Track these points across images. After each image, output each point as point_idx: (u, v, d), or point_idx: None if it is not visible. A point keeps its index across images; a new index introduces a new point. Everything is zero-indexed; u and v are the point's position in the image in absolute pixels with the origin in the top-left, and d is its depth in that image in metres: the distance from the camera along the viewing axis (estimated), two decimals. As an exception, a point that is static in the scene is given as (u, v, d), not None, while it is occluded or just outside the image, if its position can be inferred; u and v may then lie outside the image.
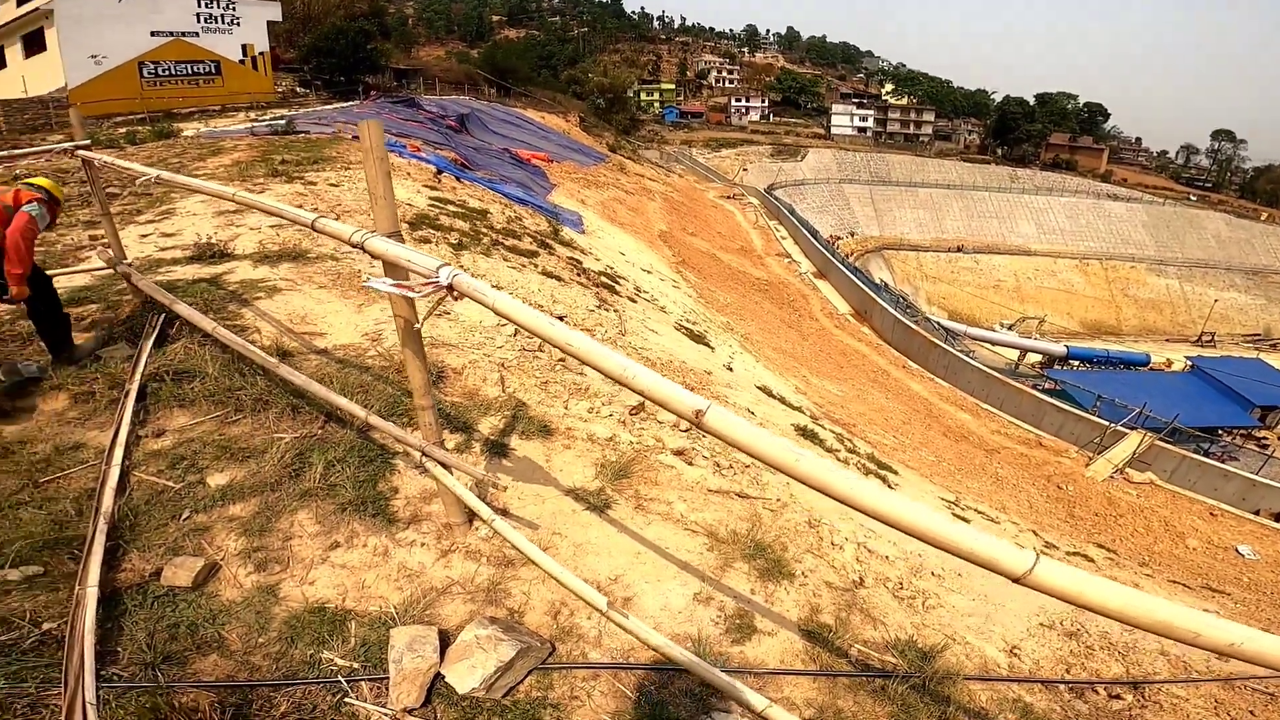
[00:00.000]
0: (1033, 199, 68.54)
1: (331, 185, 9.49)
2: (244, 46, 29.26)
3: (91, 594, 2.36)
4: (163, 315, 4.09)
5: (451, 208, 10.56)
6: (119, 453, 3.02)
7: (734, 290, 21.04)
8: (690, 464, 4.30)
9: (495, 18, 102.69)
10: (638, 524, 3.40)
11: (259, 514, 2.89)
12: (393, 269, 2.33)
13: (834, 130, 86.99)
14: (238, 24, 29.02)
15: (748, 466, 4.59)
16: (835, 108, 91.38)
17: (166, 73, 26.13)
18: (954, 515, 5.36)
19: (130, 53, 24.77)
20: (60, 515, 2.76)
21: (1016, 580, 1.17)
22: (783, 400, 10.12)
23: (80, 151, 4.30)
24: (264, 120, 18.52)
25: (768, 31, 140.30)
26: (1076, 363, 30.63)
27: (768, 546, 3.39)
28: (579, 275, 10.27)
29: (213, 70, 27.86)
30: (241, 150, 12.18)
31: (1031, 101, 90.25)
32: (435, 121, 22.89)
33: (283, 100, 30.16)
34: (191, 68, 27.03)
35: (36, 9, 22.91)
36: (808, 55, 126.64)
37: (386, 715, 2.24)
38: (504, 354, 4.99)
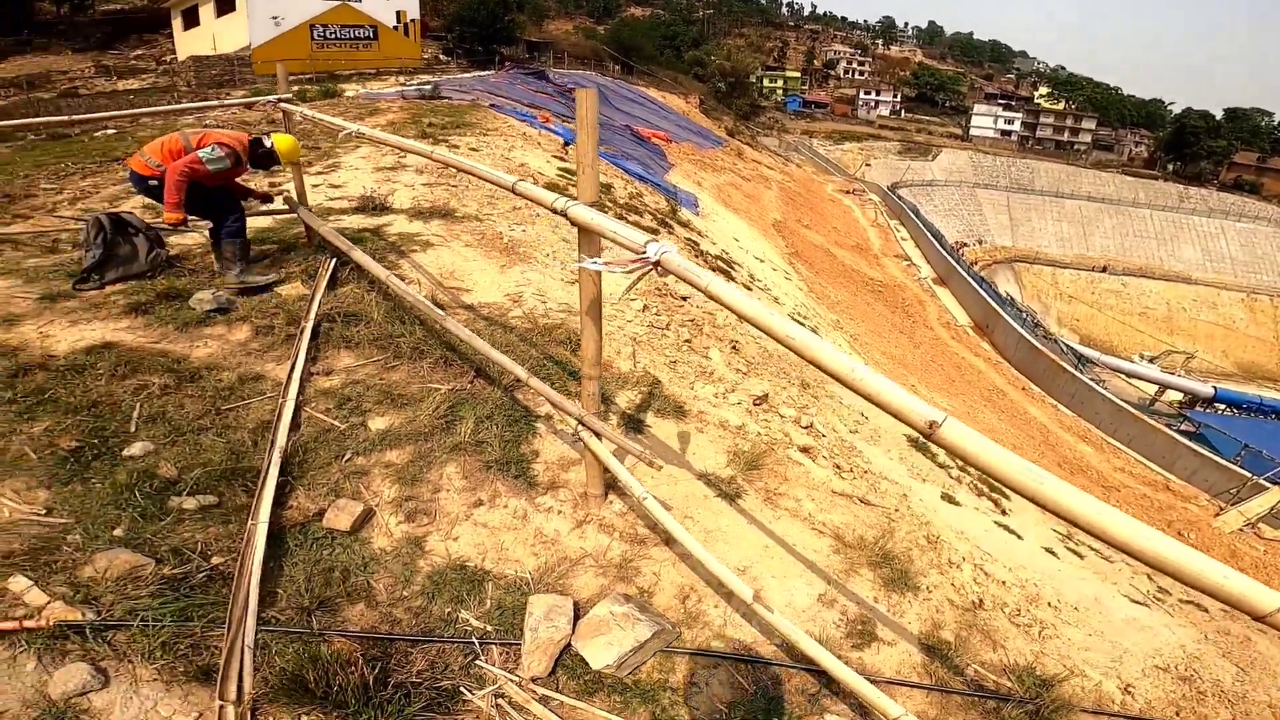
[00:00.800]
0: (1203, 221, 60.32)
1: (472, 149, 9.86)
2: (398, 13, 31.10)
3: (261, 531, 2.46)
4: (334, 260, 4.36)
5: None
6: (294, 388, 3.21)
7: (846, 288, 20.12)
8: (815, 463, 4.15)
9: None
10: (766, 517, 3.30)
11: (412, 463, 2.98)
12: (589, 239, 2.30)
13: (973, 131, 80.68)
14: (393, -10, 30.86)
15: (866, 472, 4.39)
16: (977, 108, 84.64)
17: (333, 36, 28.31)
18: (1067, 549, 4.87)
19: (303, 15, 27.04)
20: (238, 445, 2.94)
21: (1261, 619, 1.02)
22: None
23: (283, 104, 4.64)
24: (412, 85, 19.58)
25: (906, 24, 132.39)
26: (1223, 406, 26.99)
27: (895, 557, 3.25)
28: (696, 257, 10.12)
29: (371, 35, 29.85)
30: (394, 112, 12.94)
31: (1218, 116, 79.37)
32: (564, 95, 23.30)
33: (427, 67, 31.81)
34: (353, 31, 29.11)
35: (223, -32, 25.42)
36: (950, 51, 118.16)
37: (514, 681, 2.26)
38: (635, 329, 4.95)
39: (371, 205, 5.89)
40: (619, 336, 4.60)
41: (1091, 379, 21.43)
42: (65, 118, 10.03)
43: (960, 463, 8.59)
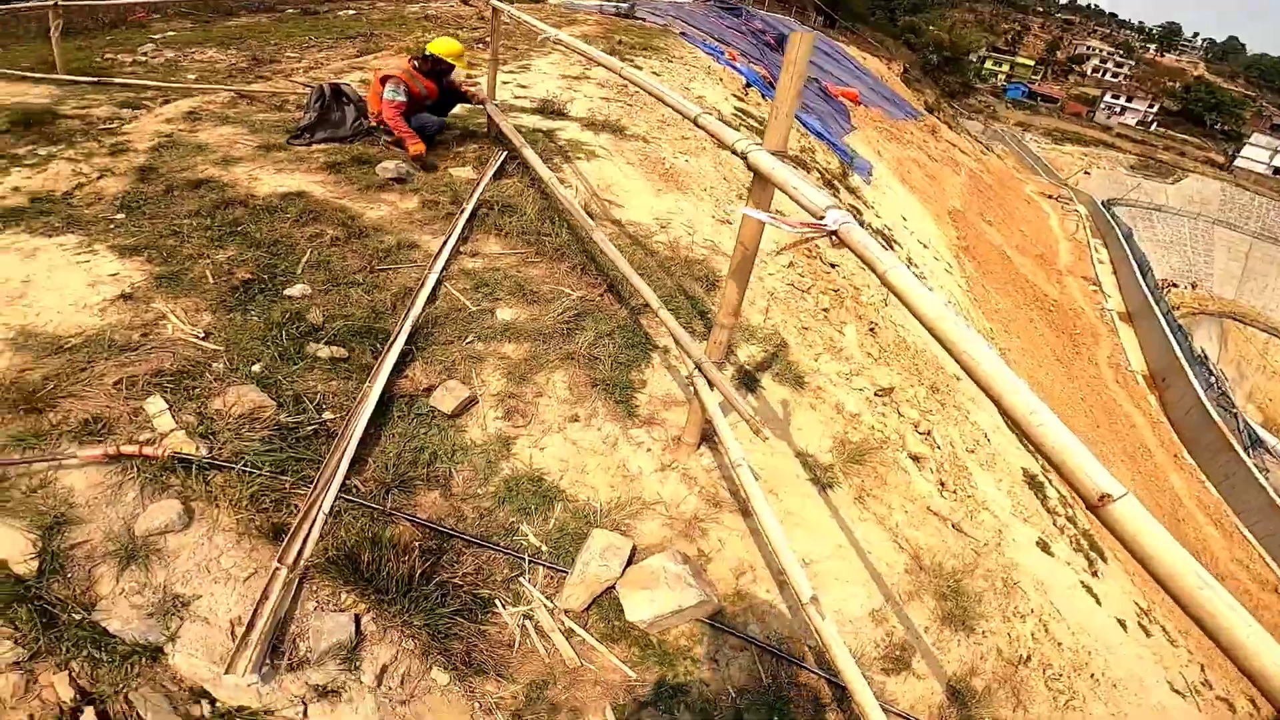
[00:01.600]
0: None
1: (654, 73, 9.68)
2: None
3: (373, 397, 2.54)
4: (505, 153, 4.48)
5: (752, 121, 10.20)
6: (440, 263, 3.36)
7: (1011, 297, 17.95)
8: (921, 474, 3.81)
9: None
10: (851, 516, 3.07)
11: (525, 361, 3.00)
12: (762, 188, 2.10)
13: (1240, 162, 66.66)
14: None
15: (970, 497, 4.00)
16: (1255, 137, 69.47)
17: None
18: (1139, 624, 4.44)
19: None
20: (379, 305, 3.09)
21: None
22: (1021, 437, 8.51)
23: (495, 3, 4.75)
24: (611, 1, 19.58)
25: (1195, 35, 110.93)
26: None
27: (965, 594, 2.99)
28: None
29: None
30: (590, 25, 13.02)
31: None
32: (755, 35, 22.19)
33: (627, -15, 31.55)
34: None
35: None
36: (1246, 72, 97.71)
37: (547, 608, 2.25)
38: (775, 284, 4.68)
39: (550, 109, 5.98)
40: (756, 287, 4.35)
41: (1256, 464, 17.97)
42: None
43: (1070, 513, 7.61)
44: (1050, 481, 8.16)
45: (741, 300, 2.53)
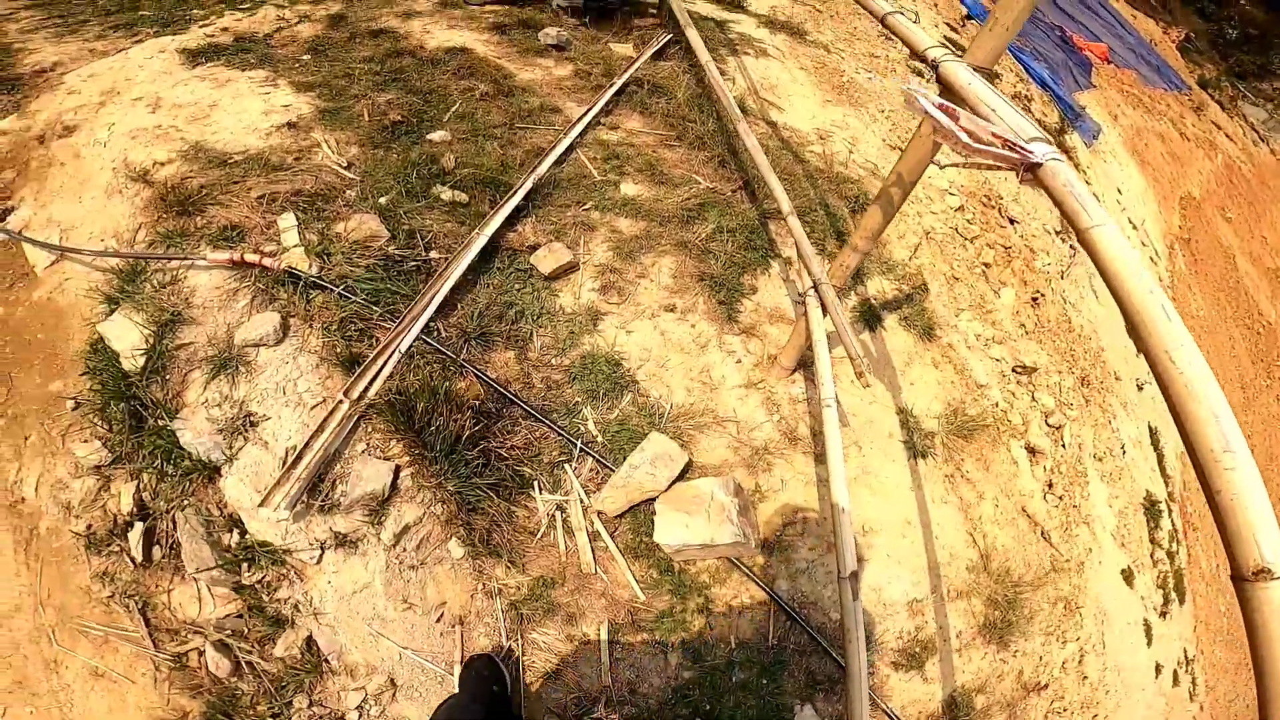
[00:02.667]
0: None
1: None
2: None
3: (478, 242, 2.51)
4: (668, 36, 4.20)
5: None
6: (577, 129, 3.25)
7: (1218, 308, 14.83)
8: (1031, 469, 3.36)
9: None
10: (934, 494, 2.72)
11: (636, 239, 2.86)
12: (955, 103, 1.73)
13: None
14: None
15: (1075, 508, 3.55)
16: None
17: None
18: (1174, 671, 4.00)
19: None
20: (509, 160, 3.06)
21: None
22: (1161, 457, 7.24)
23: None
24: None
25: None
26: None
27: (1019, 606, 2.67)
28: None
29: None
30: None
31: None
32: (993, -38, 19.06)
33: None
34: None
35: None
36: None
37: (582, 504, 2.15)
38: (933, 223, 4.10)
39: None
40: (911, 222, 3.84)
41: None
42: None
43: (1173, 548, 6.54)
44: (1169, 513, 7.00)
45: (885, 227, 2.20)
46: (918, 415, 2.91)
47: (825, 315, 2.37)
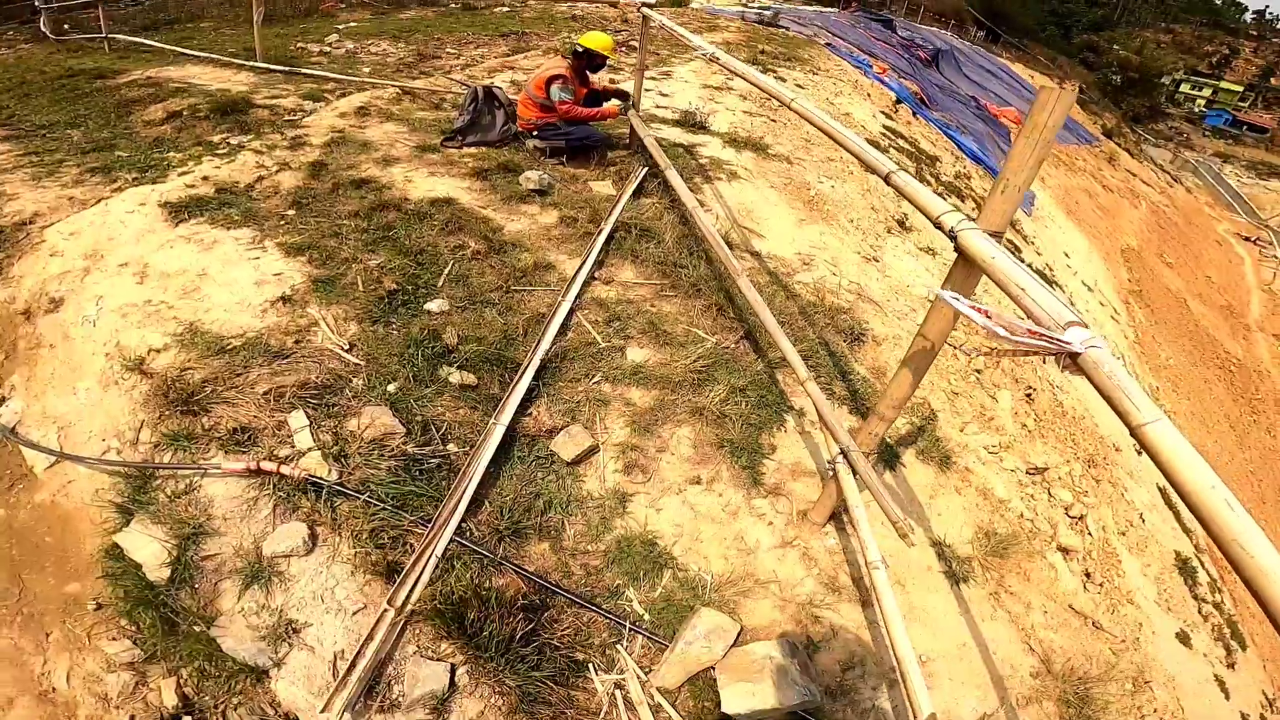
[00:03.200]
0: None
1: (799, 86, 9.24)
2: None
3: (496, 435, 2.48)
4: (646, 169, 4.35)
5: (902, 142, 9.48)
6: (574, 290, 3.27)
7: (1186, 353, 15.61)
8: (1068, 567, 3.40)
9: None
10: (982, 613, 2.72)
11: (652, 411, 2.85)
12: (968, 273, 1.77)
13: None
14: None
15: (1115, 588, 3.59)
16: None
17: None
18: (1260, 716, 4.04)
19: None
20: (512, 330, 3.05)
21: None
22: (1177, 514, 7.37)
23: (644, 9, 4.63)
24: (753, 7, 19.11)
25: None
26: None
27: (1090, 701, 2.60)
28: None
29: None
30: (731, 32, 12.73)
31: None
32: (907, 49, 20.81)
33: (772, -8, 30.89)
34: None
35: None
36: None
37: (640, 679, 2.12)
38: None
39: (691, 122, 5.80)
40: (907, 341, 3.92)
41: None
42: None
43: (1217, 598, 6.58)
44: (1203, 565, 7.04)
45: (912, 393, 2.24)
46: (952, 544, 2.92)
47: (856, 478, 2.36)
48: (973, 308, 1.64)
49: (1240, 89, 72.30)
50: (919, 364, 2.12)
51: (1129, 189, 23.74)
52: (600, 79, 5.07)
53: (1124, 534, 4.56)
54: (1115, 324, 12.55)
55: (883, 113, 10.81)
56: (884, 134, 9.31)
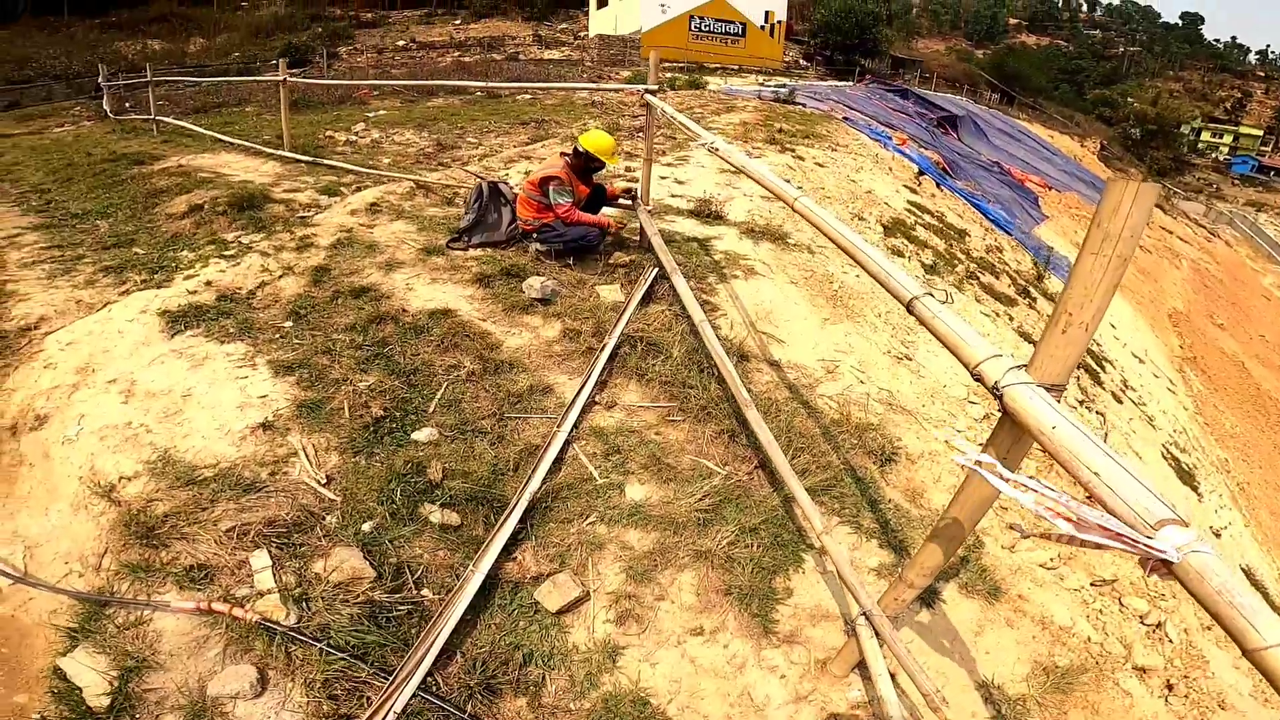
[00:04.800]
0: None
1: (818, 164, 9.17)
2: (766, 13, 31.84)
3: (474, 582, 2.31)
4: (656, 270, 4.13)
5: (929, 218, 9.25)
6: (571, 419, 3.01)
7: (1252, 419, 14.55)
8: (1147, 686, 2.88)
9: (1012, 20, 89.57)
10: None
11: (650, 554, 2.57)
12: (1016, 439, 1.44)
13: None
14: (765, -11, 31.42)
15: (1205, 693, 3.02)
16: None
17: (706, 29, 30.18)
18: None
19: (685, 6, 29.35)
20: (502, 464, 2.84)
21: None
22: (1266, 593, 6.49)
23: (648, 96, 4.53)
24: (769, 86, 19.62)
25: None
26: None
27: None
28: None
29: (739, 32, 31.07)
30: (749, 112, 12.91)
31: None
32: (924, 117, 21.04)
33: (786, 69, 31.99)
34: (725, 26, 30.66)
35: (629, -46, 28.51)
36: None
37: None
38: (968, 446, 3.80)
39: (706, 212, 5.63)
40: (945, 456, 3.51)
41: None
42: (497, 84, 12.19)
43: None
44: None
45: (948, 558, 1.89)
46: (1000, 684, 2.50)
47: (880, 643, 2.05)
48: (1022, 487, 1.27)
49: (1260, 133, 71.75)
50: (951, 538, 1.78)
51: (1167, 248, 23.05)
52: (610, 172, 4.96)
53: (1209, 628, 3.95)
54: (1173, 396, 11.81)
55: (906, 186, 10.67)
56: (909, 209, 9.11)
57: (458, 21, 33.50)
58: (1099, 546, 1.11)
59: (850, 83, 29.61)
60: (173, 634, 2.15)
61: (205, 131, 9.13)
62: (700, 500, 2.73)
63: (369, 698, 1.99)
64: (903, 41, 52.73)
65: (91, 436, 2.91)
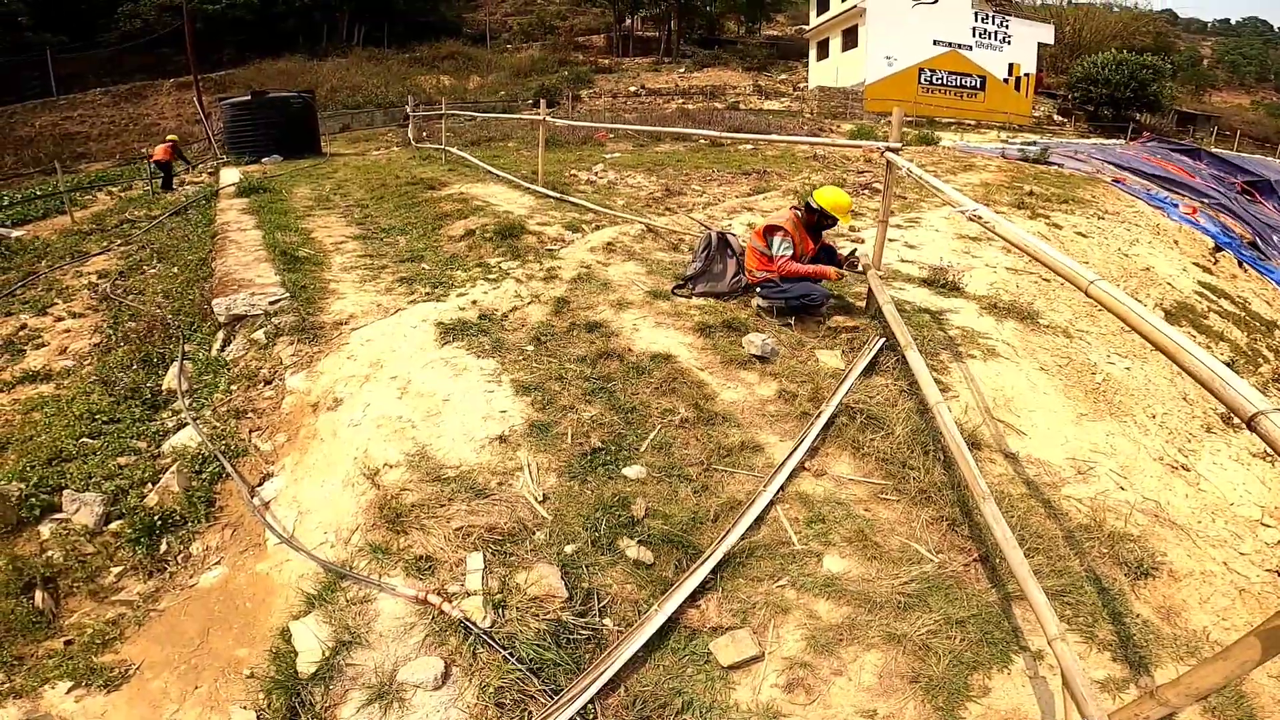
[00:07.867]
0: None
1: (1079, 234, 8.04)
2: (1010, 65, 28.98)
3: (654, 623, 2.35)
4: (882, 340, 3.93)
5: (1226, 304, 7.58)
6: (777, 482, 2.97)
7: None
8: None
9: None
10: None
11: (837, 628, 2.43)
12: None
13: None
14: (1008, 42, 28.84)
15: None
16: None
17: (939, 81, 28.28)
18: None
19: (915, 58, 27.76)
20: (702, 513, 2.86)
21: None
22: None
23: (889, 154, 4.37)
24: (1015, 143, 17.78)
25: None
26: None
27: None
28: None
29: (978, 85, 28.66)
30: (990, 171, 11.82)
31: None
32: (1223, 182, 17.31)
33: (1036, 125, 28.78)
34: (960, 80, 28.46)
35: (855, 6, 27.75)
36: None
37: None
38: (1245, 568, 3.01)
39: (941, 281, 5.22)
40: (1219, 580, 2.81)
41: None
42: (721, 133, 12.74)
43: None
44: None
45: (1220, 689, 1.67)
46: None
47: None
48: None
49: None
50: (1243, 660, 1.49)
51: None
52: (834, 231, 4.85)
53: None
54: None
55: (1196, 264, 8.88)
56: (1200, 292, 7.56)
57: (682, 70, 35.32)
58: None
59: (1121, 141, 25.62)
60: (388, 616, 2.37)
61: (479, 163, 10.66)
62: (905, 584, 2.54)
63: (531, 712, 2.07)
64: (1192, 96, 44.19)
65: (370, 424, 3.38)
